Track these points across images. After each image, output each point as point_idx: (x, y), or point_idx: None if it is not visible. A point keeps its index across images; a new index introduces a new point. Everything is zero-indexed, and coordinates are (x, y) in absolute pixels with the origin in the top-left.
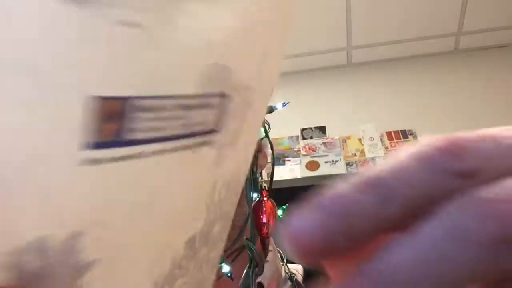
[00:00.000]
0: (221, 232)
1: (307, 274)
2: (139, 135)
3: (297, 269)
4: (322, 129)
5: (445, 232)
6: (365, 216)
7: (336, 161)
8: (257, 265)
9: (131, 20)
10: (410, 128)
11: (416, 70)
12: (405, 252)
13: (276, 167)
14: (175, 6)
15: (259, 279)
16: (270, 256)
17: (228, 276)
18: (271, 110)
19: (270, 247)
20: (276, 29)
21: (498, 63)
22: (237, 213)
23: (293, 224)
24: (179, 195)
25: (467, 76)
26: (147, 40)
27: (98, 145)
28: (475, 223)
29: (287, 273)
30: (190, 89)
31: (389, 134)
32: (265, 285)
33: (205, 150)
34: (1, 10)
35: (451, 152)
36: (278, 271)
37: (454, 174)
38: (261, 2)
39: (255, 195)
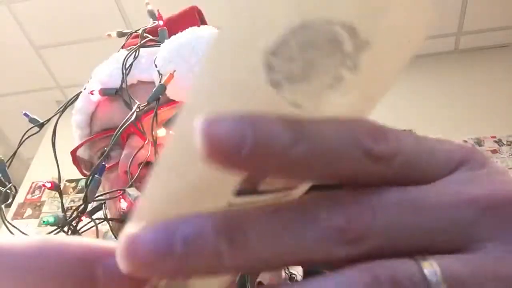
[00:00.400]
0: None
1: (307, 275)
2: None
3: (297, 270)
4: None
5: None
6: (272, 142)
7: None
8: None
9: (298, 103)
10: (410, 128)
11: (416, 70)
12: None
13: None
14: (325, 95)
15: (259, 278)
16: None
17: None
18: None
19: None
20: (372, 102)
21: (498, 63)
22: None
23: (209, 120)
24: None
25: (467, 76)
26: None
27: None
28: (330, 214)
29: (287, 273)
30: None
31: None
32: (265, 283)
33: None
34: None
35: (373, 134)
36: (278, 271)
37: (365, 153)
38: (367, 94)
39: None
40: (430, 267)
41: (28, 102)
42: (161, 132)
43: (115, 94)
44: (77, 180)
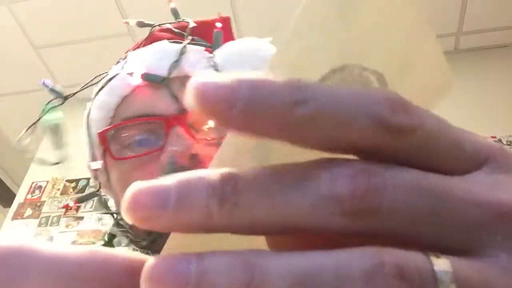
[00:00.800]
0: None
1: None
2: None
3: None
4: None
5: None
6: (270, 101)
7: None
8: None
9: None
10: None
11: None
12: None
13: None
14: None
15: None
16: None
17: None
18: None
19: None
20: None
21: (498, 63)
22: None
23: (204, 78)
24: None
25: (467, 76)
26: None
27: None
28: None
29: None
30: None
31: None
32: None
33: None
34: None
35: (392, 104)
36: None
37: (379, 121)
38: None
39: None
40: (443, 266)
41: (28, 102)
42: (210, 123)
43: (161, 82)
44: (77, 180)
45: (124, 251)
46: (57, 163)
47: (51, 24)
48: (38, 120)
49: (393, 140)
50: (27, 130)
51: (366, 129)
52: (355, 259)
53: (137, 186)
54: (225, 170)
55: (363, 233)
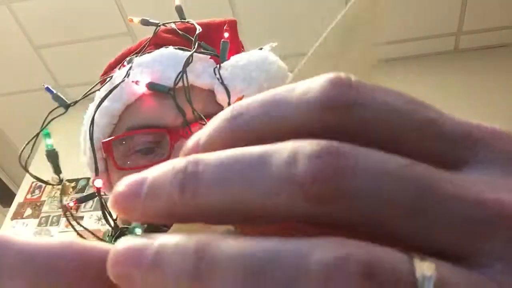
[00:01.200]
0: None
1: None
2: None
3: None
4: None
5: (266, 155)
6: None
7: None
8: None
9: None
10: None
11: (416, 70)
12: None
13: None
14: None
15: None
16: None
17: None
18: None
19: None
20: None
21: (498, 63)
22: None
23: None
24: None
25: (467, 76)
26: None
27: None
28: (289, 162)
29: None
30: None
31: None
32: None
33: None
34: None
35: (335, 83)
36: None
37: (320, 104)
38: None
39: None
40: (426, 270)
41: (28, 102)
42: None
43: (167, 92)
44: (77, 180)
45: (103, 244)
46: (58, 184)
47: (51, 24)
48: (40, 131)
49: (340, 118)
50: (28, 143)
51: (305, 117)
52: (315, 249)
53: (124, 180)
54: (193, 156)
55: (331, 222)
